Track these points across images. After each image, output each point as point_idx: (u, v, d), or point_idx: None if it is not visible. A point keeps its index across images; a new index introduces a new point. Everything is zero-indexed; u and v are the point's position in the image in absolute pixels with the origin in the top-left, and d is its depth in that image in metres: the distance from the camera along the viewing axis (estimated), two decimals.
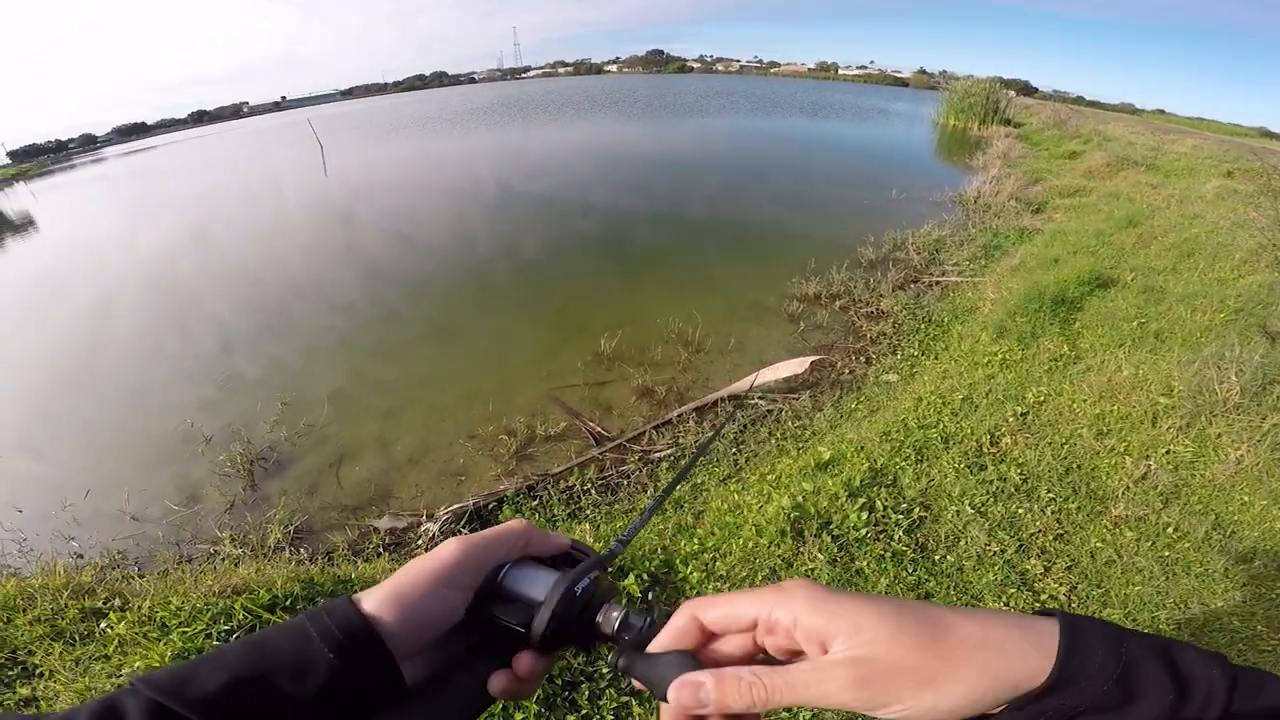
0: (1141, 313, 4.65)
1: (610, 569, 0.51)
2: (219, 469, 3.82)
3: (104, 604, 2.35)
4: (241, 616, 2.17)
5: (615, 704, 2.00)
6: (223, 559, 3.02)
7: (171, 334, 6.13)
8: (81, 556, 3.11)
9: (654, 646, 0.41)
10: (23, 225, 18.83)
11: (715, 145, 18.52)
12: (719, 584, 2.48)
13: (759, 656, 0.40)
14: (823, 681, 0.35)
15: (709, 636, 0.41)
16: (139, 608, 2.27)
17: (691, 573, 2.54)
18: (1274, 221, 5.31)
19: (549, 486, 3.40)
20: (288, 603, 2.26)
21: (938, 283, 6.06)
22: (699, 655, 0.40)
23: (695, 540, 2.73)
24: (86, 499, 3.56)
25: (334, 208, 12.00)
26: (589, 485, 3.40)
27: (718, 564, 2.60)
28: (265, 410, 4.40)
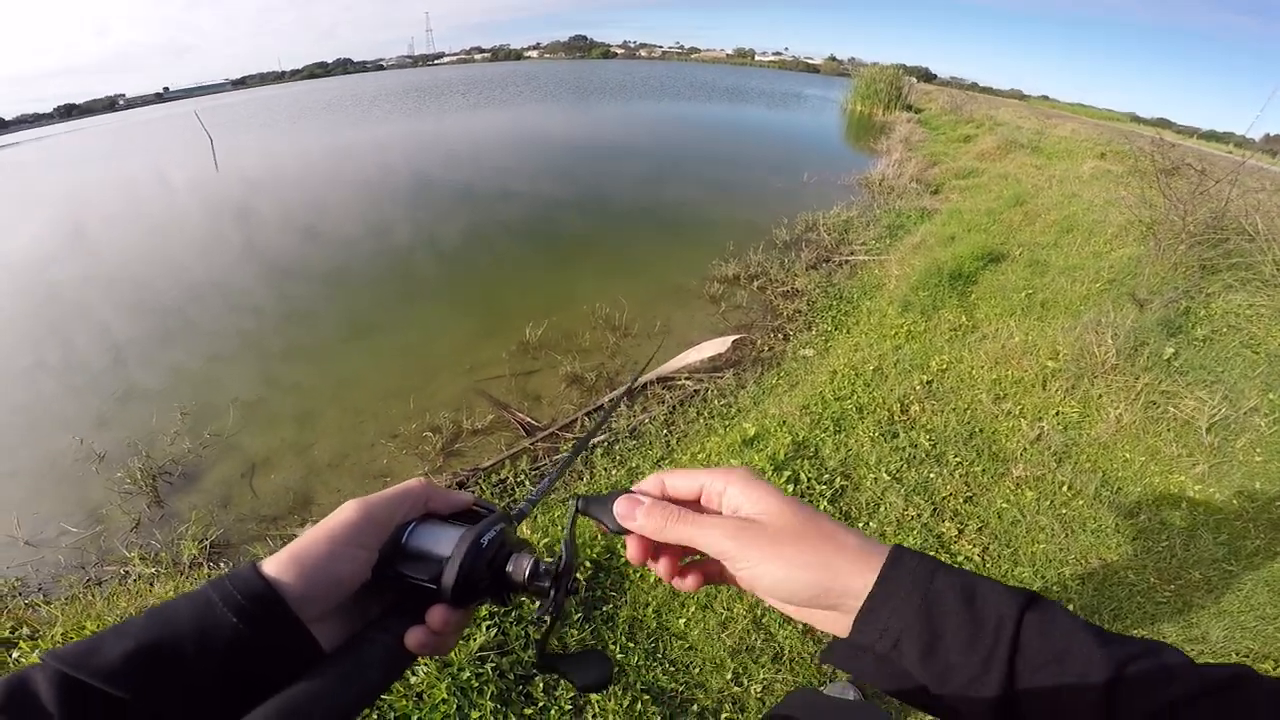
0: (1029, 284, 5.03)
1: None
2: (118, 486, 3.52)
3: (11, 633, 2.20)
4: None
5: (572, 691, 2.00)
6: (135, 579, 2.85)
7: (52, 346, 5.54)
8: None
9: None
10: None
11: (639, 131, 18.51)
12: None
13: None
14: (714, 525, 0.45)
15: (666, 495, 0.50)
16: (51, 635, 2.14)
17: None
18: (1139, 199, 5.81)
19: (480, 481, 3.34)
20: None
21: (847, 261, 6.34)
22: None
23: None
24: None
25: (229, 203, 11.15)
26: (522, 477, 3.36)
27: None
28: (164, 422, 4.07)
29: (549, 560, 0.48)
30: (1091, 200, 7.29)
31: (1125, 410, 3.36)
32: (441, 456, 3.60)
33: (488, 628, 2.10)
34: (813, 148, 15.47)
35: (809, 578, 0.42)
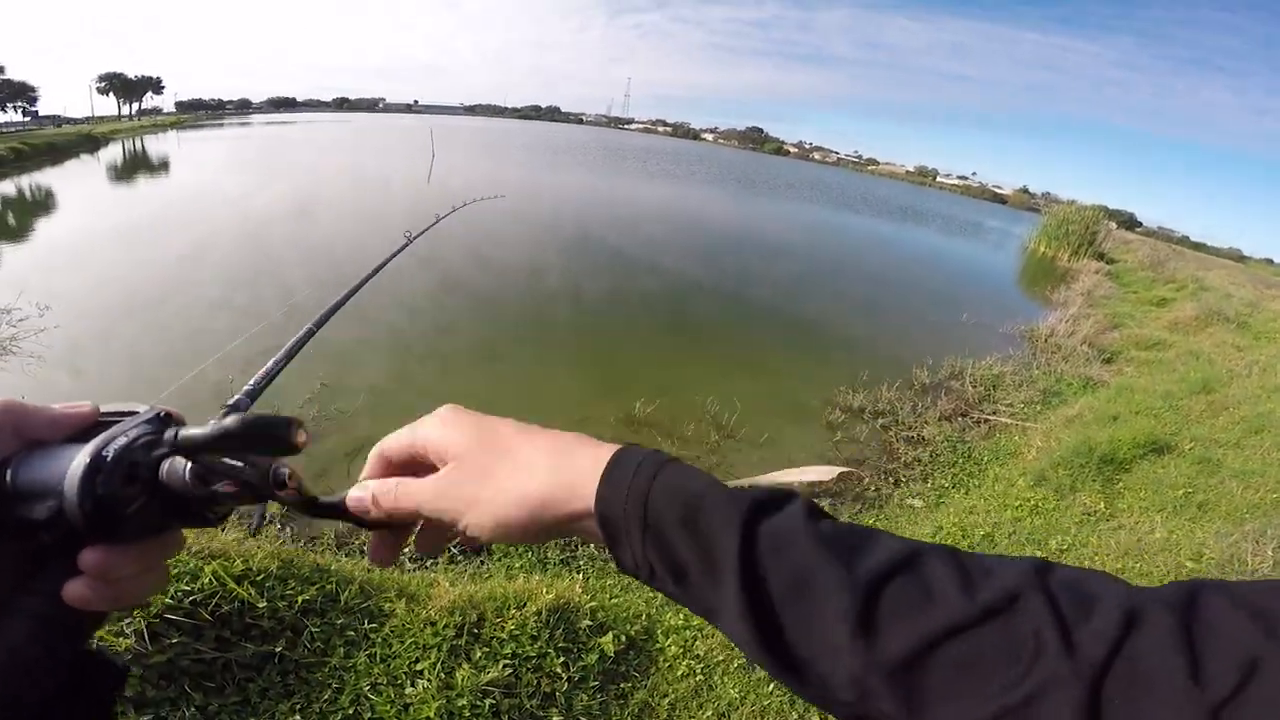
0: (1190, 483, 4.48)
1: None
2: None
3: None
4: (208, 580, 2.00)
5: None
6: None
7: (243, 290, 6.56)
8: None
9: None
10: (159, 167, 23.78)
11: (796, 233, 18.88)
12: (693, 662, 2.50)
13: None
14: (423, 488, 0.39)
15: (397, 468, 0.42)
16: None
17: (670, 645, 2.56)
18: None
19: None
20: (259, 578, 2.12)
21: (986, 420, 5.85)
22: None
23: (681, 616, 2.75)
24: None
25: (425, 214, 12.73)
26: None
27: (698, 644, 2.60)
28: (303, 385, 4.45)
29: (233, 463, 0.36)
30: None
31: None
32: None
33: (504, 667, 2.13)
34: (980, 285, 14.83)
35: (529, 508, 0.37)
